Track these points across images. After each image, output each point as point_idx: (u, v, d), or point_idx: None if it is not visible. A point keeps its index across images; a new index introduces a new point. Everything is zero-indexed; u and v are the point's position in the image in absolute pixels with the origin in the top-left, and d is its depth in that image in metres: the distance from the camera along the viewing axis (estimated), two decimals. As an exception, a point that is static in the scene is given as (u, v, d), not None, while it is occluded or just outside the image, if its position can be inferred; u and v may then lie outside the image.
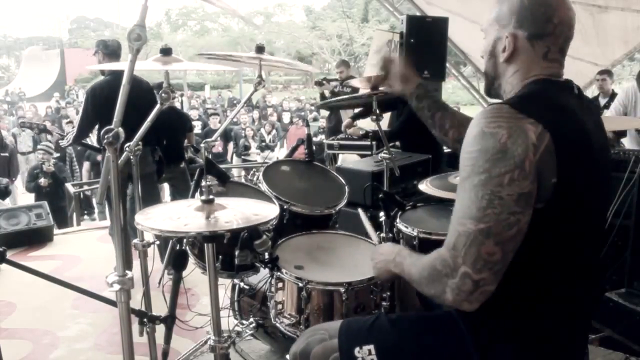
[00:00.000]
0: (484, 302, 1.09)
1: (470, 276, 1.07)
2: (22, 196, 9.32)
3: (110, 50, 3.81)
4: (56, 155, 7.56)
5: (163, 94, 1.96)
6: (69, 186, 6.28)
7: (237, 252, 1.84)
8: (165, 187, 5.53)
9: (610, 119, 4.00)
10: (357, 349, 1.32)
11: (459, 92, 21.11)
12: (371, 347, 1.31)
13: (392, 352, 1.31)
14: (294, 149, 3.53)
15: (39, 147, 7.34)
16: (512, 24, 1.20)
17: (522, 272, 1.13)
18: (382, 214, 2.46)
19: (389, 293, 1.92)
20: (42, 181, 6.87)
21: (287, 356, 1.77)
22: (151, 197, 3.41)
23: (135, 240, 2.26)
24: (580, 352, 1.28)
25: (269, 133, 10.85)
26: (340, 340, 1.37)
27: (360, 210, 2.23)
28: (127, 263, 3.57)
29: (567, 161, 1.07)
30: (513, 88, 1.24)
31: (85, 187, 7.08)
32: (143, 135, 2.07)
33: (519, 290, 1.15)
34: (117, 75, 3.39)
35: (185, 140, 5.10)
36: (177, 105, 9.18)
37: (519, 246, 1.08)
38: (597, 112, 1.27)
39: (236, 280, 2.43)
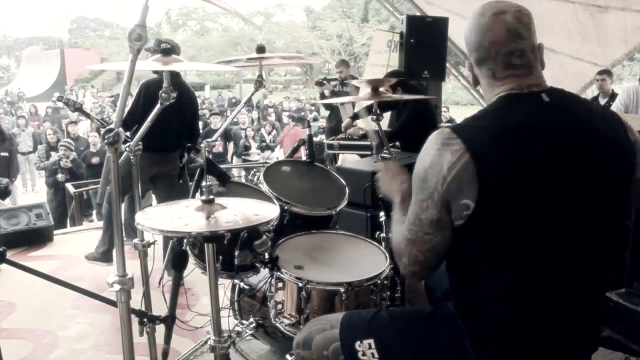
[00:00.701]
0: (478, 302, 1.23)
1: (407, 266, 1.30)
2: (22, 196, 9.33)
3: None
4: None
5: (163, 94, 1.96)
6: (69, 186, 6.28)
7: (236, 253, 1.84)
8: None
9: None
10: (357, 343, 1.35)
11: (459, 92, 21.13)
12: (371, 341, 1.34)
13: (392, 347, 1.33)
14: (294, 150, 3.53)
15: (60, 143, 7.44)
16: (468, 53, 1.32)
17: (487, 275, 1.22)
18: (382, 214, 2.46)
19: (388, 293, 1.92)
20: (60, 177, 7.04)
21: (287, 356, 1.77)
22: (170, 196, 3.55)
23: (135, 240, 2.26)
24: (575, 353, 1.28)
25: (269, 133, 10.85)
26: (341, 332, 1.39)
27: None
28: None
29: (488, 182, 1.14)
30: None
31: (85, 188, 7.08)
32: (143, 135, 2.07)
33: (495, 292, 1.21)
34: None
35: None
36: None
37: (443, 252, 1.25)
38: (570, 116, 1.21)
39: (236, 280, 2.43)
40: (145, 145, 2.91)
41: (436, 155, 1.19)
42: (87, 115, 3.31)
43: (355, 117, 4.81)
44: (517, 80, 1.23)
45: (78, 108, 2.97)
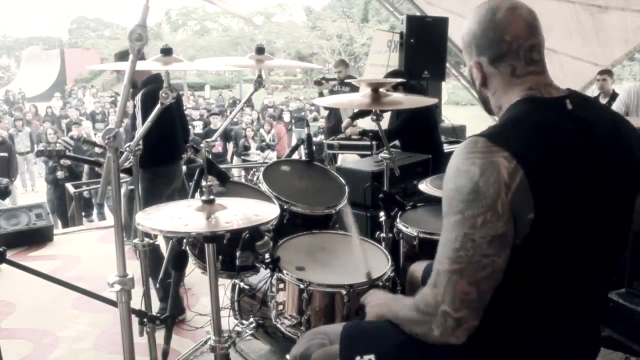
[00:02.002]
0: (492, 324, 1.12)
1: (450, 314, 1.09)
2: (22, 196, 9.33)
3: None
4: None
5: (163, 94, 1.96)
6: (68, 186, 6.28)
7: (238, 253, 1.84)
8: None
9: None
10: (357, 358, 1.30)
11: (459, 92, 21.13)
12: (372, 356, 1.29)
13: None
14: (294, 149, 3.53)
15: (59, 141, 7.47)
16: (475, 53, 1.22)
17: (507, 306, 1.13)
18: (382, 214, 2.46)
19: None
20: (60, 174, 7.10)
21: (287, 356, 1.77)
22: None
23: (135, 240, 2.26)
24: None
25: (268, 132, 10.85)
26: (341, 346, 1.35)
27: (347, 208, 2.23)
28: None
29: (544, 195, 1.04)
30: (501, 109, 1.23)
31: (86, 188, 7.09)
32: (143, 135, 2.07)
33: (511, 320, 1.15)
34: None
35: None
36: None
37: (498, 282, 1.08)
38: (593, 126, 1.15)
39: (236, 280, 2.43)
40: (159, 159, 2.89)
41: (486, 161, 1.05)
42: (75, 159, 3.20)
43: (355, 117, 4.81)
44: (536, 78, 1.18)
45: (62, 156, 2.90)
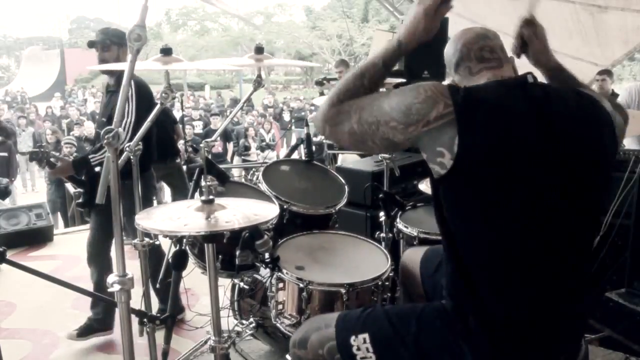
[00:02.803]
0: (468, 290, 1.25)
1: (324, 130, 1.38)
2: (22, 196, 9.33)
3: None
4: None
5: (163, 94, 1.96)
6: (68, 186, 6.28)
7: (238, 252, 1.84)
8: (166, 188, 5.52)
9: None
10: (352, 338, 1.37)
11: (459, 92, 21.06)
12: (366, 335, 1.36)
13: (386, 342, 1.35)
14: (293, 149, 3.53)
15: (64, 140, 7.48)
16: (449, 71, 1.47)
17: (473, 260, 1.26)
18: (382, 214, 2.47)
19: (389, 294, 1.92)
20: None
21: (287, 356, 1.77)
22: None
23: (135, 240, 2.27)
24: (562, 344, 1.30)
25: (268, 132, 10.85)
26: (337, 328, 1.42)
27: None
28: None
29: (467, 138, 1.19)
30: None
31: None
32: (143, 135, 2.07)
33: (482, 279, 1.25)
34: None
35: (175, 135, 5.09)
36: (177, 105, 9.21)
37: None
38: (548, 100, 1.28)
39: (236, 280, 2.43)
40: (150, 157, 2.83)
41: (432, 97, 1.24)
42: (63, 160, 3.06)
43: None
44: (492, 71, 1.36)
45: (51, 163, 2.84)
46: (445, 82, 1.41)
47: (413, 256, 1.87)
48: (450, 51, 1.44)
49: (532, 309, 1.24)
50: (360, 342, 1.36)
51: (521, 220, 1.22)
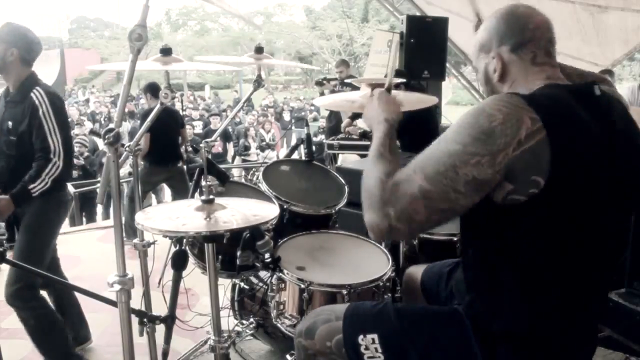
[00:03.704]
0: (487, 303, 1.18)
1: (390, 218, 1.12)
2: (22, 196, 9.30)
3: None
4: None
5: (163, 94, 1.96)
6: (69, 186, 6.28)
7: (239, 253, 1.84)
8: (166, 188, 5.52)
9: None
10: (360, 337, 1.33)
11: (459, 92, 21.11)
12: (375, 336, 1.32)
13: (396, 343, 1.31)
14: (293, 149, 3.53)
15: (75, 140, 7.51)
16: (495, 45, 1.26)
17: (514, 271, 1.16)
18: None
19: (390, 294, 1.92)
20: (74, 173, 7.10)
21: (287, 356, 1.77)
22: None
23: (135, 240, 2.26)
24: (582, 352, 1.28)
25: (268, 132, 10.86)
26: (344, 324, 1.37)
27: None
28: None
29: (560, 161, 1.06)
30: None
31: (87, 187, 7.10)
32: (142, 136, 2.07)
33: (513, 290, 1.18)
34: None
35: (180, 138, 5.10)
36: (178, 105, 9.21)
37: (448, 220, 1.13)
38: (614, 116, 1.18)
39: (236, 280, 2.43)
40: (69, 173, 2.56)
41: (513, 113, 1.07)
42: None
43: (355, 116, 4.81)
44: (552, 70, 1.23)
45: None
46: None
47: (415, 271, 1.84)
48: (508, 26, 1.23)
49: (562, 320, 1.20)
50: (369, 342, 1.32)
51: (577, 236, 1.14)
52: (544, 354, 1.21)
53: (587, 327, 1.27)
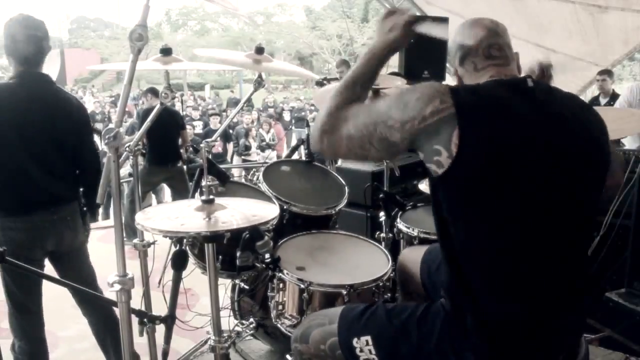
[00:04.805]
0: (465, 290, 1.24)
1: (322, 143, 1.36)
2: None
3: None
4: None
5: (163, 94, 1.96)
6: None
7: (238, 253, 1.84)
8: (166, 188, 5.52)
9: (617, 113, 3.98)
10: (355, 339, 1.38)
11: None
12: (368, 338, 1.37)
13: (389, 342, 1.36)
14: (293, 149, 3.53)
15: None
16: (452, 61, 1.45)
17: (472, 262, 1.25)
18: (382, 214, 2.47)
19: (390, 294, 1.92)
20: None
21: (287, 356, 1.77)
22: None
23: (135, 240, 2.26)
24: (561, 343, 1.30)
25: (267, 132, 10.85)
26: (339, 327, 1.42)
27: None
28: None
29: (471, 136, 1.18)
30: None
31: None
32: (142, 136, 2.07)
33: (480, 279, 1.25)
34: (23, 79, 2.17)
35: (180, 139, 5.10)
36: (178, 105, 9.21)
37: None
38: (548, 103, 1.28)
39: (236, 280, 2.43)
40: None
41: (429, 93, 1.24)
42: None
43: None
44: (497, 68, 1.34)
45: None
46: (446, 79, 1.44)
47: (411, 255, 1.87)
48: (456, 43, 1.41)
49: (531, 308, 1.24)
50: (363, 344, 1.37)
51: (520, 220, 1.22)
52: (520, 346, 1.25)
53: (565, 319, 1.29)
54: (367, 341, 1.36)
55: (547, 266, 1.24)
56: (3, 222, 2.15)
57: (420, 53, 5.50)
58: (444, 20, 1.99)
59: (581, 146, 1.27)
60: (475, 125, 1.20)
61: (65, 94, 2.34)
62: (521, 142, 1.21)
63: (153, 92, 5.18)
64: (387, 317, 1.38)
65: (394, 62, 6.18)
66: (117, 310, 1.50)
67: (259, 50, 2.29)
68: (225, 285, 2.46)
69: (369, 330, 1.38)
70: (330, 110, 1.37)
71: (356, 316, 1.43)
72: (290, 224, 2.28)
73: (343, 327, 1.42)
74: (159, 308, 2.18)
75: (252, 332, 2.33)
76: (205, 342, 2.33)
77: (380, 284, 1.84)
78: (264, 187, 2.34)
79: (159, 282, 2.97)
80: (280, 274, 1.90)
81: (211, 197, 1.77)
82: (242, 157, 9.72)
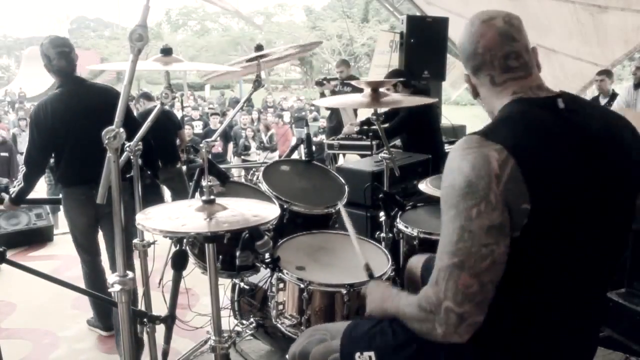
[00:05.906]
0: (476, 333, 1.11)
1: (453, 310, 1.08)
2: (22, 196, 9.30)
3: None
4: None
5: (163, 94, 1.96)
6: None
7: (238, 253, 1.84)
8: (166, 188, 5.51)
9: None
10: (357, 354, 1.34)
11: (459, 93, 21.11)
12: (372, 354, 1.32)
13: (392, 359, 1.31)
14: (293, 149, 3.53)
15: None
16: (464, 65, 1.29)
17: (507, 302, 1.13)
18: (382, 214, 2.46)
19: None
20: None
21: (287, 356, 1.77)
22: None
23: (135, 240, 2.26)
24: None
25: (264, 133, 10.84)
26: (342, 342, 1.39)
27: (341, 208, 2.19)
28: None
29: (538, 186, 1.05)
30: (493, 114, 1.26)
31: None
32: (143, 136, 2.07)
33: (506, 320, 1.15)
34: (69, 87, 2.89)
35: (178, 139, 5.10)
36: (178, 105, 9.21)
37: (500, 276, 1.08)
38: (585, 125, 1.16)
39: (236, 280, 2.43)
40: (69, 179, 2.83)
41: (477, 155, 1.07)
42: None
43: (363, 124, 4.77)
44: (518, 83, 1.21)
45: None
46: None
47: (416, 262, 1.87)
48: (467, 49, 1.24)
49: (554, 334, 1.17)
50: (366, 359, 1.33)
51: (570, 262, 1.13)
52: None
53: (588, 338, 1.26)
54: (370, 357, 1.32)
55: (575, 291, 1.17)
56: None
57: (421, 53, 5.51)
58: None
59: (618, 168, 1.16)
60: (535, 167, 1.07)
61: (96, 85, 3.04)
62: (573, 173, 1.10)
63: (146, 96, 5.35)
64: (393, 333, 1.33)
65: (395, 62, 6.18)
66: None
67: (259, 47, 2.30)
68: (225, 286, 2.46)
69: (373, 346, 1.33)
70: (418, 306, 1.16)
71: (361, 332, 1.39)
72: (290, 224, 2.28)
73: (346, 342, 1.38)
74: (159, 308, 2.19)
75: (252, 332, 2.33)
76: (206, 342, 2.33)
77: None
78: (264, 186, 2.34)
79: (159, 282, 2.97)
80: (280, 274, 1.90)
81: (211, 197, 1.77)
82: (242, 157, 9.72)
